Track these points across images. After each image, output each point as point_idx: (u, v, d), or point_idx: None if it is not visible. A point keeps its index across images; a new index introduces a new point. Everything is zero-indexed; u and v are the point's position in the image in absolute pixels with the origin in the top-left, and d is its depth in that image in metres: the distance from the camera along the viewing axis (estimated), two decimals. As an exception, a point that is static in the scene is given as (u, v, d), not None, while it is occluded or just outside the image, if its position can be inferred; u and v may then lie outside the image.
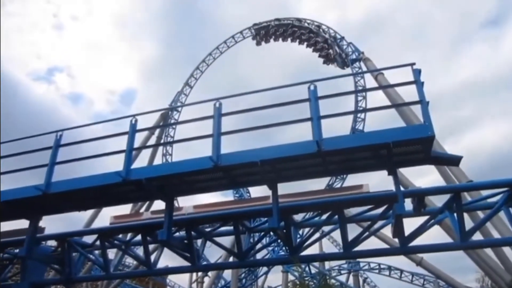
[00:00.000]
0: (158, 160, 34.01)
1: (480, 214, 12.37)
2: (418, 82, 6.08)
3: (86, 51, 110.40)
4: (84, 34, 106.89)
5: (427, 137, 5.66)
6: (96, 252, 9.51)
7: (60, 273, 9.12)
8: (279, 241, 20.51)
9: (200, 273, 38.70)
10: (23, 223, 8.67)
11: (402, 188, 6.94)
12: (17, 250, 9.33)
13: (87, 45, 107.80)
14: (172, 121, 35.49)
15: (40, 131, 8.42)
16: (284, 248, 25.14)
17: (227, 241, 11.54)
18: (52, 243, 9.83)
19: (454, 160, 6.37)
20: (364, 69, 28.63)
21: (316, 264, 30.95)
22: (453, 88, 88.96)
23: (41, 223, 8.62)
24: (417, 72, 6.17)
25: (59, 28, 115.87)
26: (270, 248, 25.76)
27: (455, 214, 7.12)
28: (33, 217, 8.21)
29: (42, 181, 7.39)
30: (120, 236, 9.28)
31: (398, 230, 6.82)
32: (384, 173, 6.63)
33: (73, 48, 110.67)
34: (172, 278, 49.60)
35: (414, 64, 6.25)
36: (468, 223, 7.14)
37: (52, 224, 9.47)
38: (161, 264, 9.11)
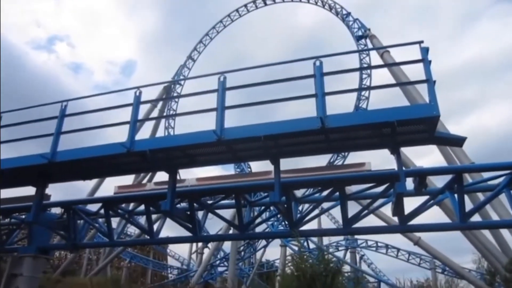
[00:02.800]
0: (160, 134, 34.09)
1: (480, 196, 12.54)
2: (425, 61, 6.00)
3: (86, 21, 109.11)
4: (84, 2, 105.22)
5: (432, 116, 5.64)
6: (100, 220, 9.72)
7: (65, 239, 9.36)
8: (278, 216, 20.89)
9: (200, 244, 39.60)
10: (29, 190, 8.86)
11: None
12: (24, 216, 9.55)
13: (86, 14, 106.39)
14: (175, 94, 35.37)
15: (41, 101, 8.46)
16: (283, 223, 25.55)
17: (227, 214, 11.73)
18: (57, 210, 10.01)
19: (458, 141, 6.36)
20: (370, 46, 28.24)
21: (315, 239, 31.53)
22: (457, 68, 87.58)
23: (48, 192, 8.79)
24: (424, 51, 6.08)
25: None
26: (269, 223, 26.15)
27: (455, 195, 7.20)
28: (39, 185, 8.35)
29: (43, 151, 7.51)
30: (123, 205, 9.46)
31: (398, 208, 6.90)
32: (384, 152, 6.66)
33: (73, 17, 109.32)
34: (172, 248, 50.81)
35: (422, 42, 6.16)
36: (468, 205, 7.21)
37: (56, 192, 9.64)
38: (162, 234, 9.28)
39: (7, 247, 10.15)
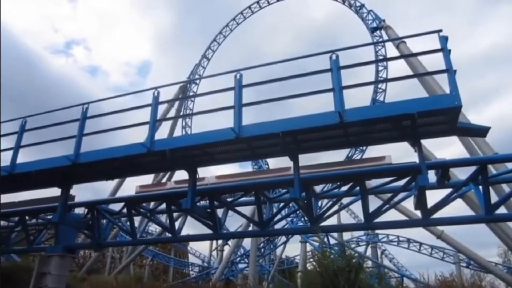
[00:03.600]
0: (177, 133, 34.41)
1: (505, 188, 12.22)
2: (445, 50, 5.85)
3: (101, 23, 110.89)
4: (98, 5, 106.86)
5: (454, 107, 5.51)
6: (123, 219, 9.91)
7: (90, 238, 9.58)
8: (297, 212, 20.83)
9: (220, 242, 39.87)
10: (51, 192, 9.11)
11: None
12: (50, 216, 9.84)
13: (101, 17, 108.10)
14: (191, 94, 35.65)
15: (60, 104, 8.67)
16: (302, 219, 25.49)
17: (247, 211, 11.78)
18: (81, 210, 10.27)
19: (481, 131, 6.21)
20: (386, 37, 27.77)
21: (335, 235, 31.34)
22: (477, 55, 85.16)
23: (72, 193, 9.02)
24: (444, 40, 5.94)
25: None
26: (289, 219, 26.12)
27: (480, 187, 7.04)
28: (64, 186, 8.58)
29: (62, 153, 7.74)
30: (145, 204, 9.62)
31: (420, 202, 6.80)
32: (403, 145, 6.55)
33: (88, 20, 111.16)
34: (193, 246, 51.38)
35: (440, 31, 6.02)
36: (492, 197, 7.03)
37: (79, 193, 9.88)
38: (183, 232, 9.42)
39: (35, 247, 10.49)
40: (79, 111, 8.05)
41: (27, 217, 10.41)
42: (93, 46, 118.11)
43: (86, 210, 9.51)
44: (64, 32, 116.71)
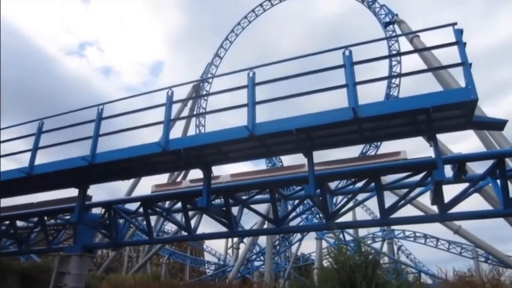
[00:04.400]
0: (191, 133, 34.64)
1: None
2: (460, 43, 5.77)
3: (113, 24, 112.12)
4: (110, 5, 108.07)
5: (470, 100, 5.44)
6: (139, 218, 10.04)
7: (108, 238, 9.74)
8: (313, 209, 20.80)
9: (236, 240, 40.03)
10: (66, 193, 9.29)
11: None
12: (68, 217, 10.03)
13: (113, 17, 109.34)
14: (204, 93, 35.85)
15: (75, 105, 8.82)
16: (317, 216, 25.44)
17: (261, 209, 11.81)
18: (98, 210, 10.43)
19: (498, 124, 6.09)
20: (399, 32, 27.43)
21: (351, 231, 31.16)
22: (491, 47, 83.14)
23: (89, 193, 9.18)
24: (458, 32, 5.86)
25: (85, 0, 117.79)
26: (304, 216, 26.08)
27: (498, 181, 6.92)
28: (81, 186, 8.74)
29: (77, 154, 7.90)
30: (161, 203, 9.72)
31: (437, 197, 6.73)
32: (418, 141, 6.46)
33: (101, 21, 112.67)
34: (209, 244, 51.74)
35: (455, 24, 5.94)
36: (510, 191, 6.91)
37: (96, 194, 10.04)
38: (199, 231, 9.49)
39: (54, 247, 10.70)
40: (94, 111, 8.18)
41: (45, 218, 10.62)
42: (106, 46, 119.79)
43: (103, 210, 9.66)
44: (77, 33, 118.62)
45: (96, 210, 10.36)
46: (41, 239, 11.41)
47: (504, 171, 6.77)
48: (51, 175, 8.00)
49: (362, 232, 37.32)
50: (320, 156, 7.70)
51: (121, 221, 9.86)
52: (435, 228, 42.20)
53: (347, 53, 6.33)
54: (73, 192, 9.01)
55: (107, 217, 9.47)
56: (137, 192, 28.49)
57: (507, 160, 9.89)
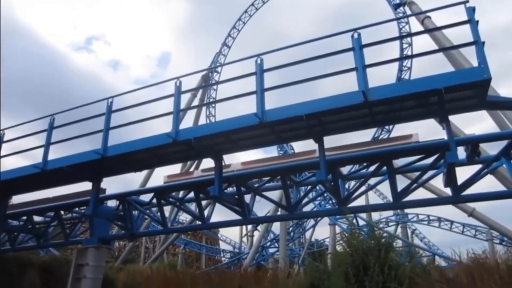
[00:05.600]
0: (202, 123, 34.73)
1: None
2: (472, 22, 5.60)
3: (119, 17, 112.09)
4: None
5: (483, 80, 5.31)
6: (153, 209, 10.16)
7: (123, 229, 9.90)
8: (325, 195, 20.79)
9: (250, 227, 40.37)
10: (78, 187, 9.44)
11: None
12: (83, 210, 10.20)
13: (118, 10, 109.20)
14: (213, 82, 35.81)
15: (85, 99, 8.88)
16: (330, 201, 25.43)
17: (274, 196, 11.84)
18: (113, 203, 10.59)
19: (512, 104, 6.00)
20: (409, 13, 26.91)
21: (364, 216, 31.13)
22: (505, 24, 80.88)
23: (103, 186, 9.31)
24: (471, 10, 5.69)
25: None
26: (316, 202, 26.13)
27: (512, 161, 6.82)
28: (95, 179, 8.86)
29: (88, 148, 7.99)
30: (174, 194, 9.82)
31: (450, 179, 6.63)
32: (430, 123, 6.34)
33: (106, 14, 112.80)
34: (223, 233, 52.32)
35: (467, 1, 5.79)
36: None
37: (110, 187, 10.19)
38: (212, 220, 9.58)
39: (72, 240, 10.93)
40: (103, 105, 8.24)
41: (62, 212, 10.82)
42: (112, 40, 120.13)
43: (118, 202, 9.81)
44: (83, 28, 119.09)
45: (112, 203, 10.54)
46: (59, 233, 11.69)
47: (518, 151, 6.66)
48: (64, 170, 8.12)
49: (376, 216, 37.32)
50: (334, 141, 7.64)
51: (135, 212, 10.00)
52: (449, 211, 41.99)
53: (355, 35, 6.22)
54: (87, 185, 9.18)
55: (121, 209, 9.62)
56: (150, 184, 28.85)
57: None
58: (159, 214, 9.40)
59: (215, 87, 36.89)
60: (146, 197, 10.05)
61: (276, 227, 32.97)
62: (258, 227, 32.61)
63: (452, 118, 6.58)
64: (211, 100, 36.24)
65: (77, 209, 10.75)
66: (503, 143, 6.90)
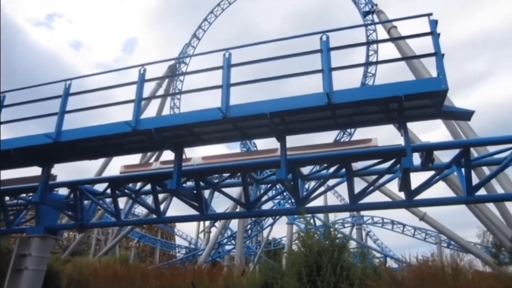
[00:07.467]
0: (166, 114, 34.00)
1: (486, 171, 12.52)
2: (434, 34, 5.83)
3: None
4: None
5: (441, 90, 5.52)
6: (107, 200, 9.79)
7: (73, 219, 9.46)
8: (284, 194, 21.01)
9: (207, 223, 40.10)
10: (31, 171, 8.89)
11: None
12: (30, 196, 9.64)
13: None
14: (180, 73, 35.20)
15: (43, 79, 8.38)
16: (289, 201, 25.71)
17: (234, 193, 11.78)
18: (63, 191, 10.09)
19: (466, 115, 6.25)
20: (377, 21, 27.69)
21: (321, 216, 31.76)
22: (467, 38, 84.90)
23: (54, 172, 8.84)
24: (433, 23, 5.93)
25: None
26: (275, 201, 26.35)
27: (462, 169, 7.15)
28: (45, 165, 8.39)
29: (42, 131, 7.51)
30: (130, 185, 9.50)
31: (405, 183, 6.86)
32: (389, 129, 6.52)
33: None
34: (180, 228, 51.63)
35: (431, 14, 6.00)
36: (473, 180, 7.15)
37: (65, 174, 9.71)
38: (169, 214, 9.36)
39: (15, 228, 10.27)
40: (61, 87, 7.79)
41: (7, 198, 10.17)
42: (76, 20, 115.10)
43: (69, 190, 9.35)
44: (45, 2, 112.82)
45: (63, 192, 10.04)
46: (1, 220, 10.94)
47: (469, 160, 6.99)
48: (12, 153, 7.62)
49: (332, 217, 38.18)
50: (299, 140, 7.71)
51: (87, 202, 9.59)
52: (402, 215, 43.73)
53: (324, 38, 6.27)
54: (37, 171, 8.66)
55: (72, 198, 9.18)
56: (107, 173, 27.90)
57: (472, 149, 10.24)
58: (113, 205, 9.07)
59: (181, 78, 36.25)
60: (100, 187, 9.67)
61: (234, 224, 32.96)
62: (216, 224, 32.47)
63: (410, 125, 6.80)
64: (177, 91, 35.57)
65: (24, 195, 10.12)
66: (455, 152, 7.22)
